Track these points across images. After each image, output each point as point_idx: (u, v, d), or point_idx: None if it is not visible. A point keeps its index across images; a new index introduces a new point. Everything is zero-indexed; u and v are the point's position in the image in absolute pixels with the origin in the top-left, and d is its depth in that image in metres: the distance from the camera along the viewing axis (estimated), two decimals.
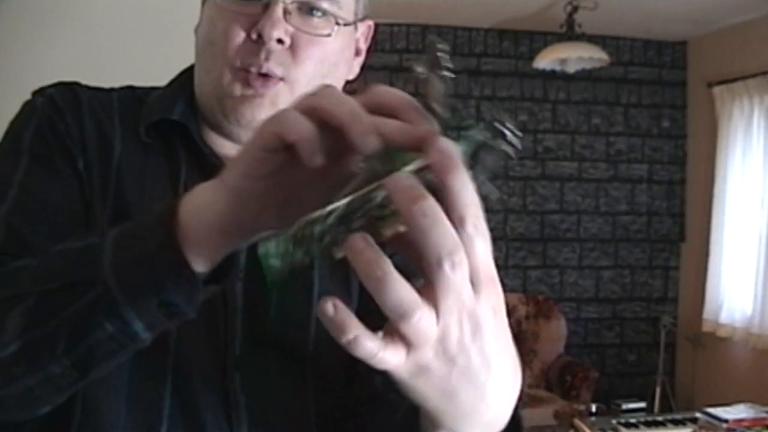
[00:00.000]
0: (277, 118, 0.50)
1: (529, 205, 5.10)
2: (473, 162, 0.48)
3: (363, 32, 0.88)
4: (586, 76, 4.86)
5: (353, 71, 0.86)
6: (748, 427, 3.06)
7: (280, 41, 0.74)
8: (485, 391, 0.50)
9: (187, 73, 0.86)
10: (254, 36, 0.74)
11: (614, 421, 3.43)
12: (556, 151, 5.14)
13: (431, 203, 0.43)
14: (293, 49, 0.75)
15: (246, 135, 0.72)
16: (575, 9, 4.31)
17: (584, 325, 5.15)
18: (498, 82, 5.06)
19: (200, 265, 0.55)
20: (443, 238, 0.43)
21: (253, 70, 0.75)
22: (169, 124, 0.80)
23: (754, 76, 4.47)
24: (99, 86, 0.85)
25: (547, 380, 4.70)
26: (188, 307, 0.56)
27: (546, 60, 4.32)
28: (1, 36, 1.92)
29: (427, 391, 0.48)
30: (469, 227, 0.45)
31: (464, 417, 0.51)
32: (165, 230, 0.54)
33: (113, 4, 1.90)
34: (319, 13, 0.77)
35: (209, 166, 0.78)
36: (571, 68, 4.44)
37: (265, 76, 0.75)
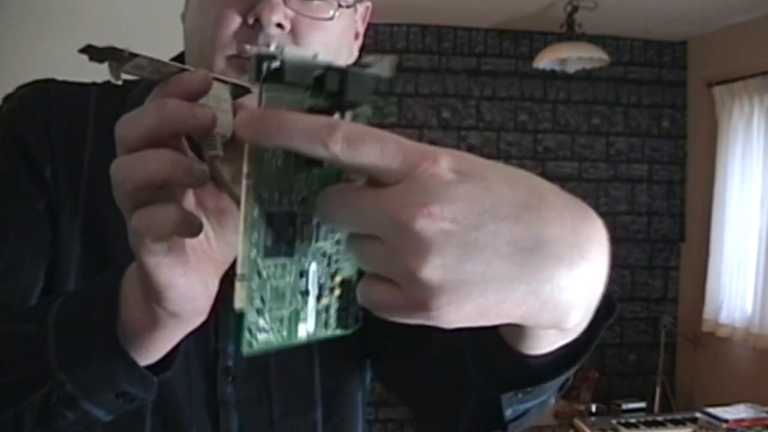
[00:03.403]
0: (124, 167, 0.45)
1: None
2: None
3: (361, 14, 0.82)
4: (586, 76, 4.86)
5: (353, 56, 0.81)
6: (748, 427, 3.06)
7: (279, 26, 0.68)
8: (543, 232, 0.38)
9: (176, 60, 0.82)
10: (251, 20, 0.68)
11: (614, 421, 3.43)
12: (556, 151, 5.14)
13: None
14: (294, 33, 0.70)
15: None
16: (575, 9, 4.31)
17: None
18: (498, 82, 5.06)
19: (153, 355, 0.54)
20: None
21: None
22: None
23: (754, 76, 4.47)
24: (79, 81, 0.82)
25: None
26: (148, 392, 0.55)
27: (546, 60, 4.32)
28: (1, 36, 1.92)
29: (482, 316, 0.38)
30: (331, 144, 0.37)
31: (542, 308, 0.39)
32: (107, 329, 0.52)
33: (113, 4, 1.90)
34: None
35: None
36: (571, 68, 4.44)
37: None
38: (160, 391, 0.65)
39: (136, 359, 0.53)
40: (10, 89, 0.79)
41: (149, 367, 0.55)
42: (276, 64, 0.40)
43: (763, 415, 3.14)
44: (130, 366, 0.53)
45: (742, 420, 3.08)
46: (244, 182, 0.40)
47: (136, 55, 0.45)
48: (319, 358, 0.77)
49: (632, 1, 4.33)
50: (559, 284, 0.38)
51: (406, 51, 4.95)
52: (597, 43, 4.42)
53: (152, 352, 0.54)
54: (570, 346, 0.48)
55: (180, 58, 0.80)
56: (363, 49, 0.83)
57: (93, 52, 0.45)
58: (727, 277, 4.65)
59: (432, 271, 0.36)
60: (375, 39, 4.89)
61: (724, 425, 3.06)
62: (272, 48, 0.40)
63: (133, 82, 0.82)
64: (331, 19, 0.71)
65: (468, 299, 0.37)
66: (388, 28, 4.90)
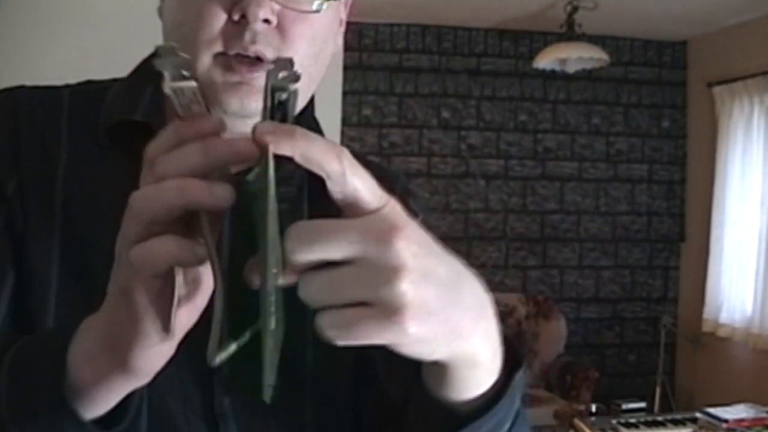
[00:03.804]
0: (148, 197, 0.46)
1: (529, 205, 5.10)
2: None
3: (345, 1, 0.79)
4: (586, 76, 4.86)
5: (338, 45, 0.79)
6: (748, 427, 3.06)
7: (266, 21, 0.65)
8: (462, 295, 0.48)
9: (151, 57, 0.78)
10: (236, 17, 0.65)
11: (614, 421, 3.43)
12: (556, 151, 5.14)
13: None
14: (281, 28, 0.67)
15: (232, 123, 0.69)
16: (575, 9, 4.31)
17: (584, 325, 5.15)
18: (498, 82, 5.06)
19: (103, 408, 0.54)
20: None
21: (238, 53, 0.66)
22: (132, 125, 0.71)
23: (754, 76, 4.47)
24: (50, 85, 0.77)
25: (547, 380, 4.70)
26: None
27: (546, 60, 4.32)
28: (1, 36, 1.92)
29: (433, 336, 0.46)
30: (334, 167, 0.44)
31: (469, 333, 0.49)
32: (54, 386, 0.52)
33: (113, 4, 1.90)
34: None
35: None
36: (571, 68, 4.44)
37: (252, 61, 0.66)
38: (155, 409, 0.64)
39: (85, 413, 0.53)
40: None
41: (107, 415, 0.55)
42: (284, 96, 0.45)
43: (763, 415, 3.14)
44: (79, 424, 0.53)
45: (742, 420, 3.08)
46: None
47: (190, 81, 0.47)
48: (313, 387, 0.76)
49: (632, 1, 4.33)
50: (476, 319, 0.49)
51: (406, 51, 4.95)
52: (597, 43, 4.42)
53: (102, 405, 0.54)
54: (486, 396, 0.54)
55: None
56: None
57: (164, 53, 0.46)
58: (727, 277, 4.65)
59: (407, 284, 0.43)
60: (375, 39, 4.89)
61: (724, 425, 3.06)
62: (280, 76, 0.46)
63: (106, 82, 0.78)
64: (318, 11, 0.69)
65: (433, 315, 0.44)
66: (388, 28, 4.90)
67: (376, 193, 0.45)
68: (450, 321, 0.46)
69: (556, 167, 5.13)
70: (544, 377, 4.72)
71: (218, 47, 0.66)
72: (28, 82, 0.79)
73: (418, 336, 0.44)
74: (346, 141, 4.44)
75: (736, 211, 4.60)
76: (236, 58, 0.66)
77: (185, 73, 0.47)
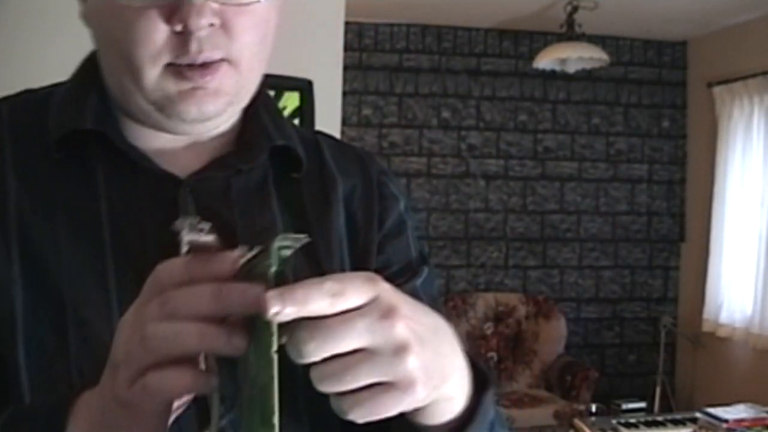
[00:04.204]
0: (166, 337, 0.47)
1: (529, 205, 5.10)
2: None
3: None
4: (586, 76, 4.86)
5: (281, 10, 0.75)
6: (748, 427, 3.06)
7: (210, 24, 0.63)
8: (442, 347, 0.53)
9: (91, 60, 0.73)
10: (178, 27, 0.62)
11: (614, 421, 3.43)
12: (556, 151, 5.14)
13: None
14: (224, 25, 0.64)
15: (191, 128, 0.68)
16: (575, 9, 4.31)
17: (584, 325, 5.15)
18: (498, 82, 5.06)
19: None
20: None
21: (187, 63, 0.64)
22: (82, 133, 0.68)
23: (754, 76, 4.47)
24: None
25: (547, 380, 4.70)
26: None
27: (546, 60, 4.32)
28: (1, 36, 1.92)
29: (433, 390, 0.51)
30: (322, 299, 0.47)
31: (450, 376, 0.54)
32: None
33: None
34: None
35: (138, 170, 0.68)
36: (571, 68, 4.44)
37: (203, 65, 0.64)
38: None
39: None
40: (10, 89, 0.76)
41: None
42: (289, 252, 0.48)
43: (763, 415, 3.14)
44: None
45: (742, 420, 3.08)
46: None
47: (207, 233, 0.50)
48: None
49: (632, 1, 4.33)
50: (453, 362, 0.55)
51: (406, 51, 4.95)
52: (597, 43, 4.42)
53: None
54: (461, 418, 0.58)
55: (95, 57, 0.73)
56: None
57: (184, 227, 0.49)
58: (727, 277, 4.65)
59: (414, 358, 0.48)
60: (375, 39, 4.89)
61: (724, 425, 3.06)
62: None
63: (47, 89, 0.74)
64: (258, 1, 0.66)
65: (432, 375, 0.50)
66: (388, 28, 4.90)
67: (368, 287, 0.48)
68: (441, 372, 0.52)
69: (556, 167, 5.13)
70: (544, 377, 4.72)
71: (165, 59, 0.64)
72: (29, 83, 0.77)
73: (426, 397, 0.50)
74: (346, 141, 4.43)
75: (736, 211, 4.60)
76: (186, 67, 0.64)
77: (201, 226, 0.50)
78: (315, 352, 0.46)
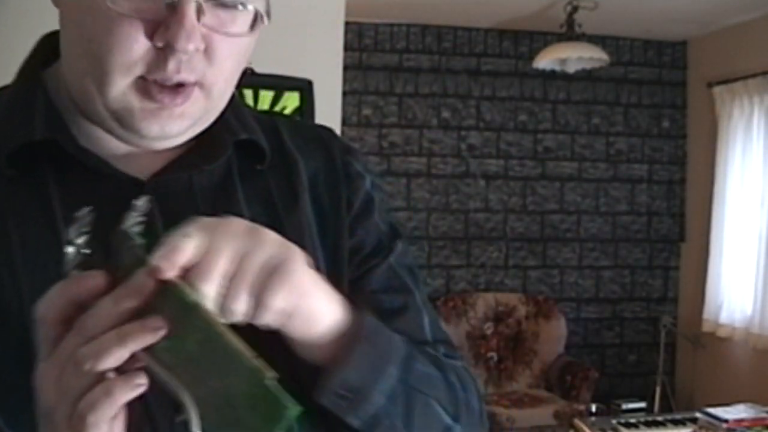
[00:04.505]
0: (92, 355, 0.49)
1: (529, 205, 5.10)
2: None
3: None
4: (586, 76, 4.86)
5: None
6: (748, 427, 3.06)
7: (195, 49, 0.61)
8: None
9: (34, 61, 0.72)
10: (160, 44, 0.60)
11: (614, 421, 3.42)
12: (556, 151, 5.14)
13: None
14: (207, 50, 0.63)
15: (149, 144, 0.67)
16: (575, 9, 4.31)
17: (584, 325, 5.15)
18: (498, 82, 5.06)
19: None
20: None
21: (160, 80, 0.62)
22: (32, 144, 0.64)
23: (754, 76, 4.47)
24: None
25: (547, 380, 4.70)
26: None
27: (546, 60, 4.32)
28: (1, 36, 1.92)
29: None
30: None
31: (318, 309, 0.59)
32: None
33: None
34: (240, 6, 0.64)
35: (96, 175, 0.66)
36: (571, 68, 4.44)
37: (173, 88, 0.62)
38: None
39: None
40: None
41: None
42: (140, 223, 0.53)
43: (763, 415, 3.14)
44: None
45: (742, 420, 3.07)
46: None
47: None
48: None
49: (632, 1, 4.33)
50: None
51: (406, 51, 4.95)
52: (597, 43, 4.42)
53: None
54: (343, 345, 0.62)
55: (34, 58, 0.71)
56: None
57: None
58: (727, 277, 4.65)
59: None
60: (375, 39, 4.89)
61: (724, 425, 3.05)
62: None
63: None
64: (251, 30, 0.65)
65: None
66: (388, 28, 4.90)
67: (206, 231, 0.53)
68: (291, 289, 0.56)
69: (556, 167, 5.13)
70: (544, 377, 4.72)
71: (137, 72, 0.61)
72: None
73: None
74: (346, 141, 4.42)
75: (736, 211, 4.60)
76: (156, 85, 0.62)
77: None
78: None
